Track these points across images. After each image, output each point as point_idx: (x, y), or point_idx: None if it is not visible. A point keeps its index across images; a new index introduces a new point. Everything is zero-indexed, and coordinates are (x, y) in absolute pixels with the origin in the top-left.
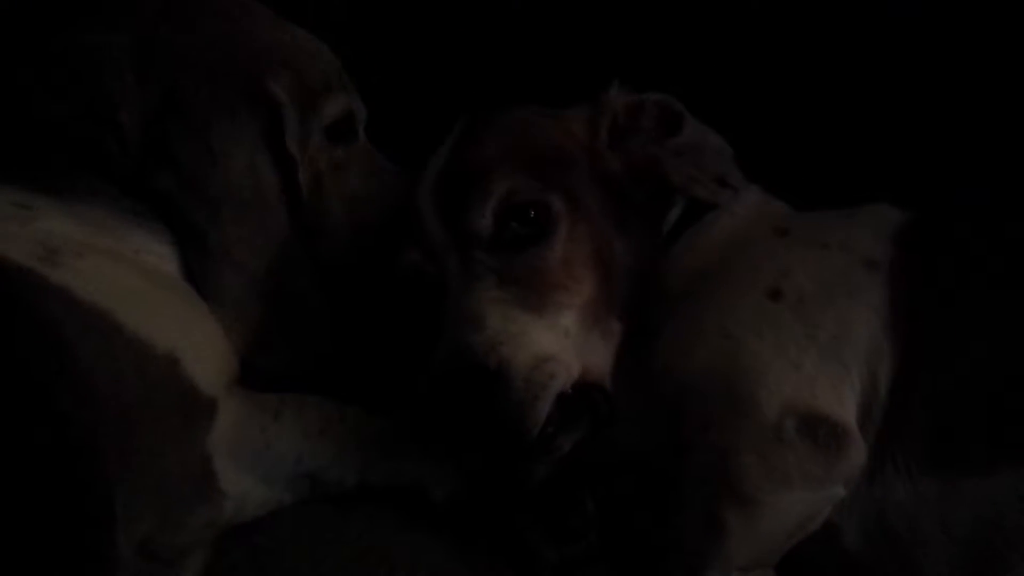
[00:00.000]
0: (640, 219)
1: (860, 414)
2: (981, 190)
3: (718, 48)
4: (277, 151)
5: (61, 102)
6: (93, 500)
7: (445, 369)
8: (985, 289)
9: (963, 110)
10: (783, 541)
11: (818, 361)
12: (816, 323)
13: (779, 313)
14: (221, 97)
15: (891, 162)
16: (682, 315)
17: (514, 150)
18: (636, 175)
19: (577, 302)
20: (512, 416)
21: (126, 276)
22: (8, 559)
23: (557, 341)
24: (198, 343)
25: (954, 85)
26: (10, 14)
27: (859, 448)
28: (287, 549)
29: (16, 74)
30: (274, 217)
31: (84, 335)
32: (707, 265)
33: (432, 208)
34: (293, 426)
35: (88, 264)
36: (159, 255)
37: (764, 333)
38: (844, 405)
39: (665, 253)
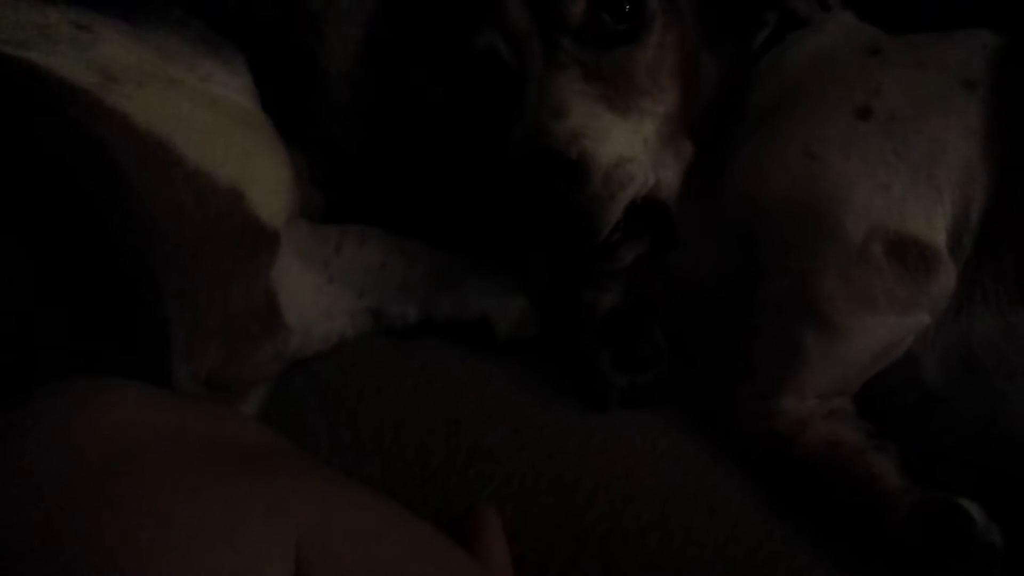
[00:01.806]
0: (731, 34)
1: (950, 240)
2: None
3: None
4: None
5: None
6: (150, 332)
7: (523, 154)
8: None
9: None
10: (862, 368)
11: (908, 182)
12: (908, 142)
13: (868, 132)
14: None
15: None
16: (762, 135)
17: None
18: None
19: (660, 111)
20: (586, 211)
21: (189, 106)
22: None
23: (638, 146)
24: (262, 176)
25: None
26: None
27: (949, 272)
28: (349, 378)
29: None
30: (372, 24)
31: (142, 164)
32: (792, 83)
33: None
34: (354, 259)
35: (148, 92)
36: (229, 85)
37: (851, 153)
38: (935, 228)
39: (750, 74)
